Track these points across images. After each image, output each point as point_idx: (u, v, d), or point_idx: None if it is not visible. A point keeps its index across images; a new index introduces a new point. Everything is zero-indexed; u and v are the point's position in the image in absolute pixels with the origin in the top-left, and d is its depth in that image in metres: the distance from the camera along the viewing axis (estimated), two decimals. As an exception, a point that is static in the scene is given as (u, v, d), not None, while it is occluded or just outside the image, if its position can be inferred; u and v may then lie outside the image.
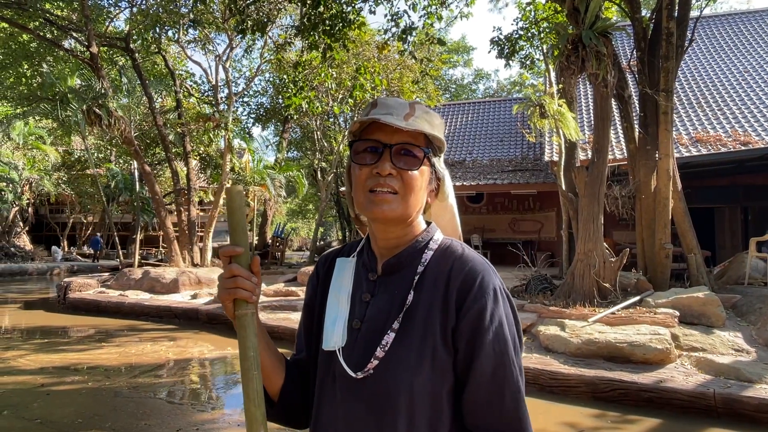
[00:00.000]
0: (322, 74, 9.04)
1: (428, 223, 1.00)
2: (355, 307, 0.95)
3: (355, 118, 1.04)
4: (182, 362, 6.84)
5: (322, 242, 30.76)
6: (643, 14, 8.99)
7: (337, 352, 0.92)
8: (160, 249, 29.78)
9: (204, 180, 22.52)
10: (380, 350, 0.87)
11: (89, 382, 5.63)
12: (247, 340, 0.88)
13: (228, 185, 15.85)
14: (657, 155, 8.10)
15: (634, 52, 8.80)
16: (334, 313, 0.96)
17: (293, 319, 8.24)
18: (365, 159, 0.93)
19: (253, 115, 23.10)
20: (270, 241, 18.70)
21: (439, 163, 0.98)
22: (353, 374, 0.88)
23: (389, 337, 0.87)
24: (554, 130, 10.59)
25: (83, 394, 5.21)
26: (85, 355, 6.97)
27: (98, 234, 26.93)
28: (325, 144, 20.93)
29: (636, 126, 8.85)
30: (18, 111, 16.05)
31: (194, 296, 11.06)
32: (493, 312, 0.86)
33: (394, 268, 0.95)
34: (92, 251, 26.75)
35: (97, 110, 12.46)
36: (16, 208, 25.06)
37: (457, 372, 0.87)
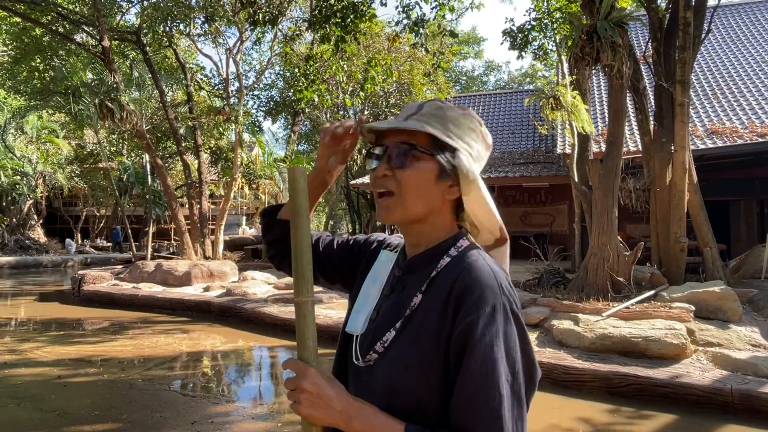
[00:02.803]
0: (333, 67, 8.99)
1: (459, 228, 0.99)
2: (382, 299, 0.99)
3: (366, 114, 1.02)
4: (195, 355, 6.90)
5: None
6: (659, 4, 8.83)
7: (354, 338, 0.96)
8: (172, 242, 30.03)
9: (214, 173, 22.61)
10: (380, 345, 0.90)
11: (105, 374, 5.69)
12: (307, 329, 0.85)
13: (238, 178, 15.92)
14: (672, 147, 7.99)
15: (650, 43, 8.66)
16: (363, 300, 1.01)
17: (305, 312, 8.26)
18: (370, 164, 0.96)
19: (263, 109, 23.13)
20: (281, 234, 18.69)
21: (456, 158, 0.93)
22: (356, 361, 0.93)
23: (390, 335, 0.89)
24: (567, 122, 10.49)
25: (99, 386, 5.28)
26: (99, 347, 7.05)
27: (118, 227, 27.21)
28: (335, 137, 20.87)
29: (651, 118, 8.72)
30: (31, 104, 16.19)
31: (206, 289, 11.14)
32: (485, 330, 0.80)
33: (412, 268, 0.97)
34: (113, 243, 27.25)
35: (109, 104, 12.52)
36: (31, 201, 25.36)
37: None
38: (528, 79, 35.36)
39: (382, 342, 0.89)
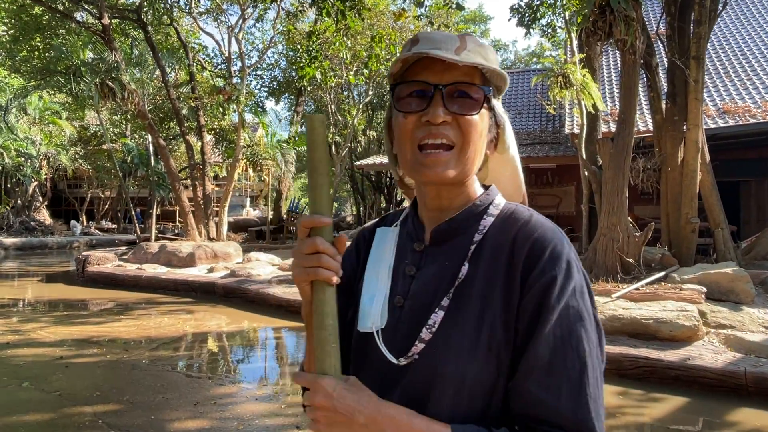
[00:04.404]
0: (336, 44, 8.77)
1: (486, 187, 0.86)
2: (398, 281, 0.82)
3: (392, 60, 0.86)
4: (199, 335, 6.86)
5: (335, 218, 30.72)
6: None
7: (375, 334, 0.78)
8: (177, 223, 30.04)
9: (218, 155, 22.47)
10: (426, 331, 0.74)
11: (107, 355, 5.64)
12: (325, 305, 0.71)
13: (241, 159, 15.79)
14: (685, 126, 7.78)
15: (663, 18, 8.39)
16: (372, 289, 0.83)
17: (309, 294, 8.21)
18: (411, 105, 0.77)
19: (266, 89, 22.86)
20: (285, 215, 18.70)
21: (499, 106, 0.82)
22: (395, 360, 0.75)
23: (437, 316, 0.74)
24: (576, 101, 10.25)
25: (102, 367, 5.23)
26: (103, 327, 7.02)
27: (138, 209, 27.06)
28: (339, 118, 20.66)
29: (663, 96, 8.49)
30: (31, 84, 16.04)
31: (210, 270, 11.10)
32: (563, 288, 0.70)
33: (445, 235, 0.81)
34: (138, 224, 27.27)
35: (110, 83, 12.36)
36: (35, 183, 25.35)
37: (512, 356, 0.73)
38: (535, 59, 34.78)
39: (428, 327, 0.74)
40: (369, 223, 0.98)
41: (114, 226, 30.09)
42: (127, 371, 5.05)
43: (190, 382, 4.82)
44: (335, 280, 0.72)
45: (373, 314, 0.80)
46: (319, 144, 0.74)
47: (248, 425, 3.75)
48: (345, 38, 8.82)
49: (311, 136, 0.74)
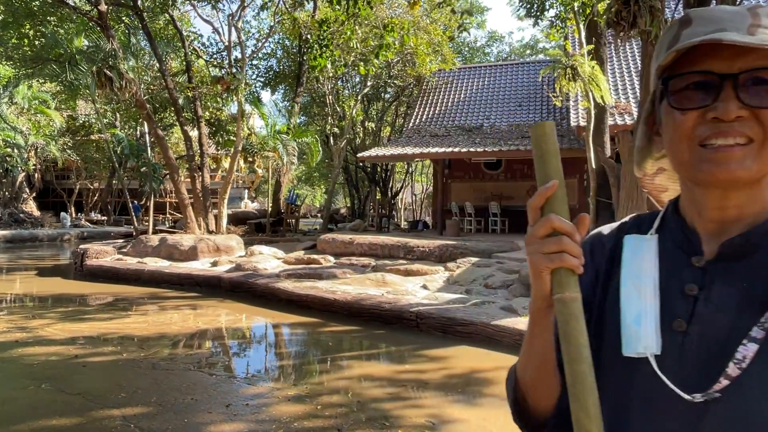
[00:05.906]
0: (348, 32, 8.56)
1: None
2: (672, 301, 0.69)
3: (661, 44, 0.71)
4: (213, 332, 6.69)
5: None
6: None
7: (651, 359, 0.67)
8: (167, 215, 29.58)
9: (211, 146, 22.07)
10: (734, 366, 0.62)
11: (124, 353, 5.45)
12: (580, 335, 0.63)
13: (240, 149, 15.46)
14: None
15: (681, 7, 8.30)
16: (635, 308, 0.70)
17: (320, 288, 8.07)
18: (693, 100, 0.65)
19: (261, 79, 22.48)
20: (284, 208, 18.42)
21: None
22: (687, 396, 0.63)
23: (747, 350, 0.62)
24: (584, 94, 10.15)
25: (120, 366, 5.04)
26: (113, 324, 6.81)
27: (135, 201, 26.54)
28: (338, 109, 20.41)
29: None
30: (22, 72, 15.56)
31: (214, 264, 10.89)
32: None
33: (740, 251, 0.68)
34: (135, 216, 26.81)
35: (108, 72, 12.01)
36: (23, 174, 24.80)
37: None
38: (528, 51, 34.67)
39: (736, 361, 0.63)
40: (604, 228, 0.84)
41: (104, 218, 29.58)
42: (148, 370, 4.87)
43: (216, 382, 4.65)
44: (580, 269, 0.63)
45: (643, 337, 0.68)
46: (553, 153, 0.66)
47: (288, 428, 3.61)
48: (356, 26, 8.60)
49: (543, 145, 0.66)
